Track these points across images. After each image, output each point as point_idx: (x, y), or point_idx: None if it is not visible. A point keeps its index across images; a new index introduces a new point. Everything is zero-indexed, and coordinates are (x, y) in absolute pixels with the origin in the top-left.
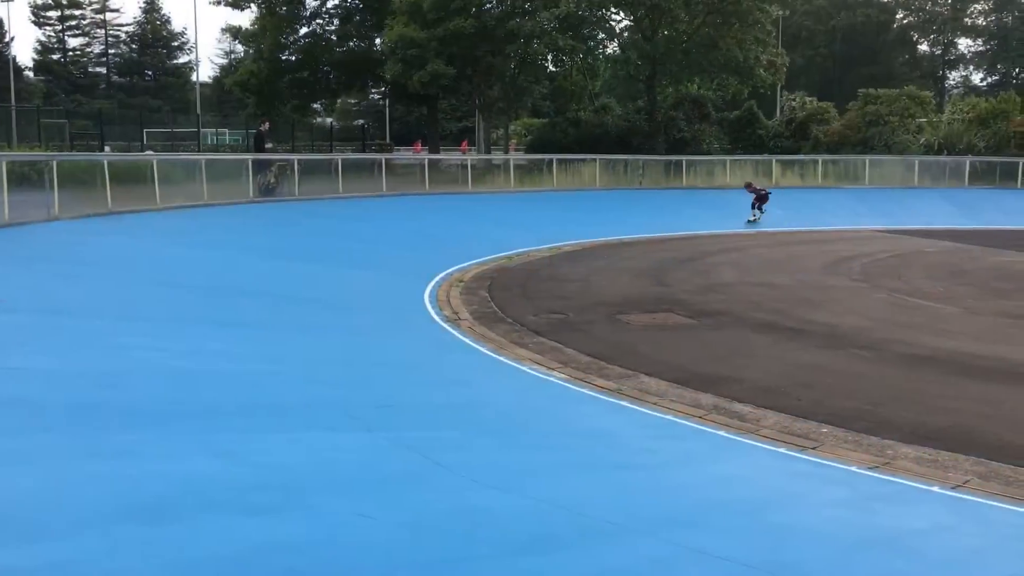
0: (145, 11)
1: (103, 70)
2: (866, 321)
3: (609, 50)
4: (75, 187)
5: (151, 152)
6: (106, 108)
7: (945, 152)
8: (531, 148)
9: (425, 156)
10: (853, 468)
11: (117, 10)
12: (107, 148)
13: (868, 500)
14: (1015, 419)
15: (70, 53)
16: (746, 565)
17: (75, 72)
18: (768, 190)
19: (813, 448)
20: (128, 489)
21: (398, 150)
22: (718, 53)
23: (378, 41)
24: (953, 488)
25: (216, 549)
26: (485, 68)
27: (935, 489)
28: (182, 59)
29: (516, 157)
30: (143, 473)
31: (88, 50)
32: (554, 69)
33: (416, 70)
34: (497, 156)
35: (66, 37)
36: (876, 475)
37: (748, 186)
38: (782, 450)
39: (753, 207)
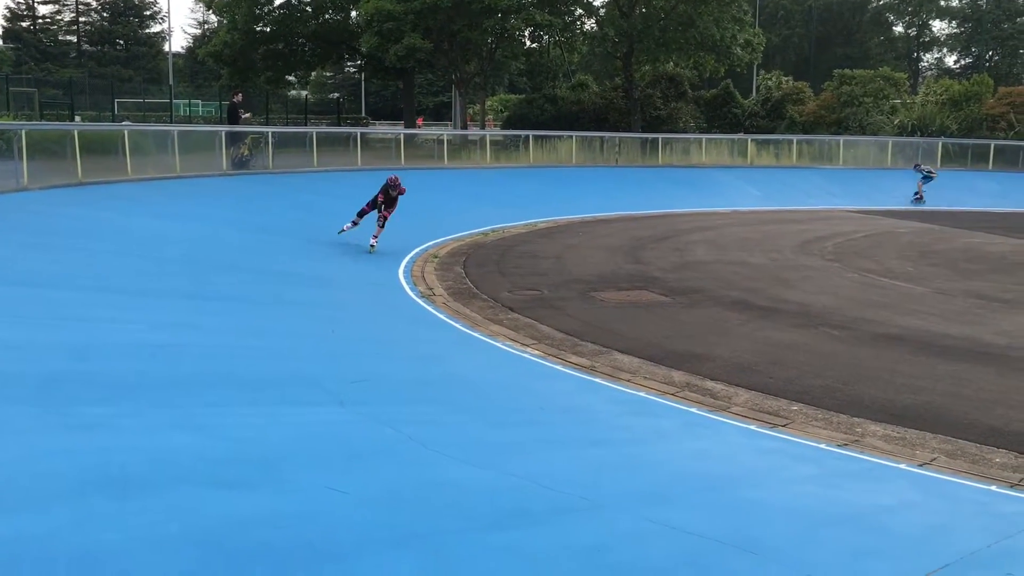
0: None
1: (73, 38)
2: (838, 300)
3: (587, 26)
4: (44, 157)
5: (127, 123)
6: (76, 77)
7: (918, 133)
8: (508, 124)
9: (424, 131)
10: (822, 445)
11: None
12: (77, 118)
13: (837, 477)
14: (982, 398)
15: (40, 21)
16: (716, 540)
17: (45, 40)
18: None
19: (784, 425)
20: (99, 463)
21: (374, 124)
22: (695, 31)
23: (354, 13)
24: (920, 465)
25: (189, 523)
26: (462, 43)
27: (903, 466)
28: (154, 28)
29: (492, 133)
30: (114, 447)
31: (58, 18)
32: (531, 45)
33: (392, 43)
34: (473, 132)
35: (36, 4)
36: (845, 452)
37: (916, 167)
38: (753, 427)
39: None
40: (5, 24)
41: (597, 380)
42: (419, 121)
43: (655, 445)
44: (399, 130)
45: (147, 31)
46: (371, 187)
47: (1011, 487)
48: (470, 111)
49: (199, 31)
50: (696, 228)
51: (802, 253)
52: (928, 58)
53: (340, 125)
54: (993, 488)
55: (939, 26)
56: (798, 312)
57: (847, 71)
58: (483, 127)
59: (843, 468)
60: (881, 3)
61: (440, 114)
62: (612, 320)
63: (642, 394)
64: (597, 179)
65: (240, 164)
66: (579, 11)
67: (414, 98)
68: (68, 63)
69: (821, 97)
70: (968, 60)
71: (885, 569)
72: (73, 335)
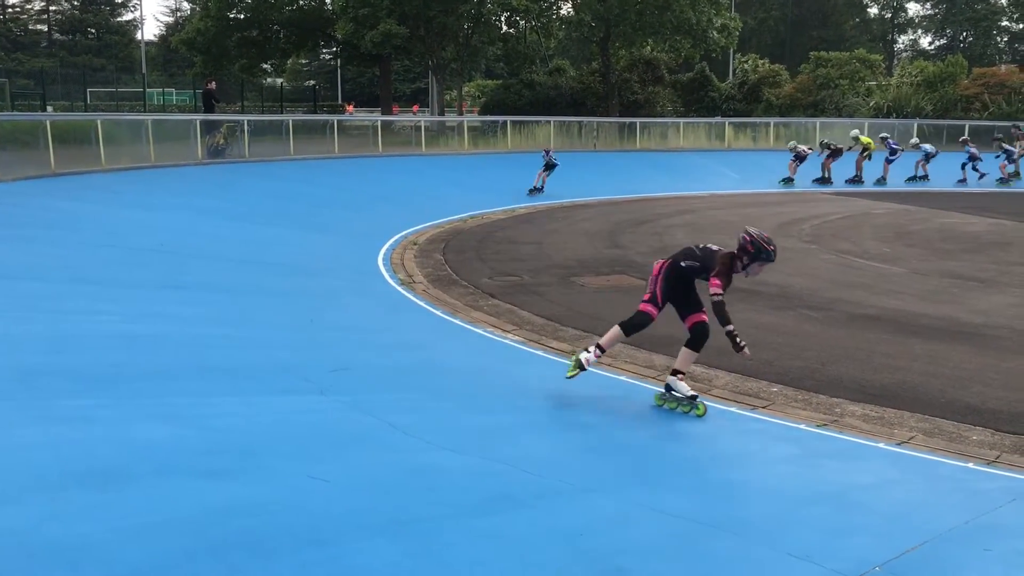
0: None
1: (44, 27)
2: (816, 282)
3: (563, 11)
4: (16, 148)
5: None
6: (48, 67)
7: (894, 115)
8: (485, 110)
9: (421, 118)
10: (802, 426)
11: None
12: (49, 108)
13: (817, 457)
14: (959, 376)
15: (9, 10)
16: (699, 522)
17: (15, 30)
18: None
19: (764, 407)
20: (77, 454)
21: (349, 109)
22: (671, 14)
23: (328, 0)
24: (899, 444)
25: (169, 513)
26: (438, 28)
27: (881, 445)
28: (126, 16)
29: (470, 119)
30: (93, 438)
31: (28, 7)
32: (508, 30)
33: (368, 30)
34: (451, 118)
35: None
36: (824, 432)
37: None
38: (733, 409)
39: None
40: None
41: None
42: (415, 109)
43: (637, 429)
44: (376, 117)
45: (119, 19)
46: (349, 175)
47: (988, 464)
48: (447, 97)
49: (172, 19)
50: (675, 212)
51: (780, 235)
52: (903, 40)
53: (316, 112)
54: (970, 465)
55: (914, 8)
56: (776, 294)
57: (823, 53)
58: (460, 113)
59: (823, 448)
60: None
61: (417, 100)
62: (593, 305)
63: (623, 378)
64: (575, 164)
65: (216, 153)
66: None
67: (391, 85)
68: (39, 53)
69: (797, 80)
70: (943, 41)
71: (865, 546)
72: (49, 327)
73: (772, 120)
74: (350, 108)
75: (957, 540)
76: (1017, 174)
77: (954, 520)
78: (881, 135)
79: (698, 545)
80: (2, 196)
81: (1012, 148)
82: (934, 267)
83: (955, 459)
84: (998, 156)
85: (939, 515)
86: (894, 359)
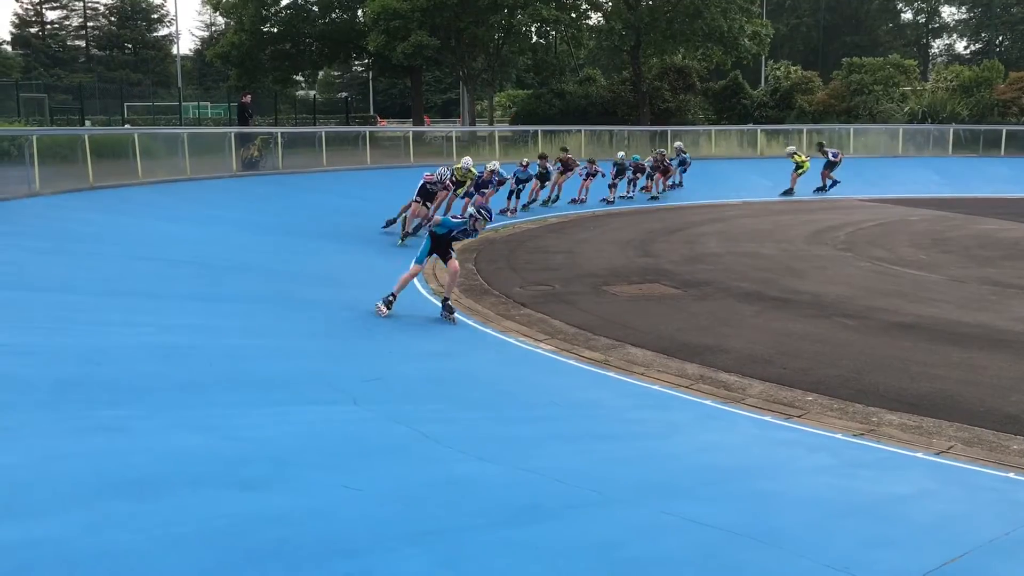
0: None
1: (82, 43)
2: (851, 290)
3: (593, 20)
4: (55, 162)
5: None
6: (86, 82)
7: (929, 120)
8: (516, 119)
9: (452, 128)
10: (838, 436)
11: None
12: (88, 122)
13: (853, 467)
14: (997, 385)
15: (48, 26)
16: (731, 532)
17: (54, 46)
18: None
19: (798, 416)
20: (113, 465)
21: (384, 123)
22: (702, 22)
23: (360, 12)
24: (937, 454)
25: (204, 523)
26: (469, 39)
27: (919, 455)
28: (162, 31)
29: (501, 128)
30: (128, 449)
31: (67, 23)
32: (538, 40)
33: (399, 41)
34: (482, 128)
35: (44, 10)
36: (861, 442)
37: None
38: (767, 418)
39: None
40: (14, 31)
41: (610, 374)
42: (381, 122)
43: (669, 438)
44: (408, 128)
45: (155, 34)
46: (381, 185)
47: None
48: (478, 107)
49: (207, 33)
50: (707, 220)
51: (814, 243)
52: (938, 44)
53: (349, 124)
54: (1011, 475)
55: (948, 12)
56: (811, 302)
57: (856, 59)
58: (491, 123)
59: (859, 458)
60: None
61: (448, 111)
62: (625, 314)
63: (656, 387)
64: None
65: (250, 165)
66: (584, 5)
67: (422, 96)
68: (77, 68)
69: (830, 86)
70: (978, 46)
71: (903, 558)
72: (85, 339)
73: (805, 127)
74: (383, 122)
75: (998, 552)
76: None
77: (994, 531)
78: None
79: (732, 557)
80: (42, 209)
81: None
82: (972, 274)
83: (995, 469)
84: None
85: (979, 526)
86: (932, 367)
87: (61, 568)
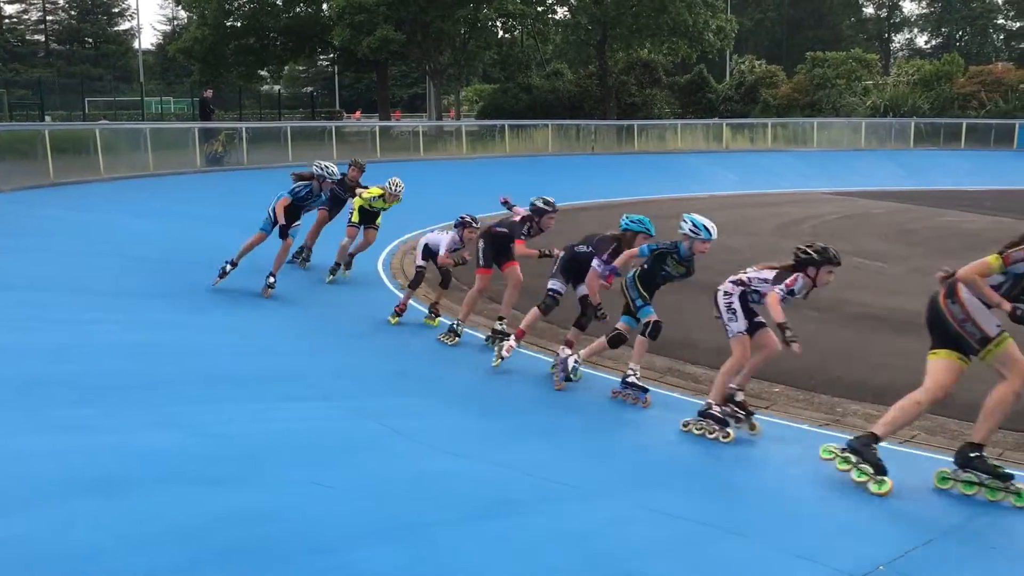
0: None
1: (41, 38)
2: None
3: (559, 15)
4: (15, 158)
5: (103, 122)
6: (45, 77)
7: (891, 114)
8: (482, 114)
9: (419, 123)
10: (804, 426)
11: None
12: (47, 118)
13: (819, 458)
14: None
15: (6, 20)
16: (702, 523)
17: (12, 40)
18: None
19: (765, 408)
20: (81, 463)
21: (348, 117)
22: (667, 17)
23: (325, 6)
24: (901, 443)
25: (175, 521)
26: (435, 34)
27: (884, 445)
28: (123, 25)
29: (468, 123)
30: (97, 447)
31: (25, 17)
32: (504, 35)
33: (365, 36)
34: (449, 123)
35: (1, 4)
36: (827, 432)
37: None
38: None
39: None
40: None
41: (580, 368)
42: (356, 115)
43: (639, 431)
44: (375, 123)
45: (116, 29)
46: None
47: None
48: (445, 102)
49: (169, 27)
50: (674, 214)
51: (781, 235)
52: (899, 39)
53: (314, 119)
54: None
55: (909, 7)
56: None
57: (819, 53)
58: (458, 117)
59: None
60: None
61: (415, 105)
62: None
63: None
64: (574, 167)
65: (214, 161)
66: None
67: (388, 90)
68: (36, 63)
69: (794, 80)
70: (938, 40)
71: (868, 547)
72: (51, 337)
73: (770, 121)
74: (357, 115)
75: (960, 538)
76: None
77: (957, 518)
78: None
79: (703, 547)
80: (3, 206)
81: None
82: (934, 266)
83: None
84: None
85: (942, 513)
86: (895, 358)
87: (27, 567)
